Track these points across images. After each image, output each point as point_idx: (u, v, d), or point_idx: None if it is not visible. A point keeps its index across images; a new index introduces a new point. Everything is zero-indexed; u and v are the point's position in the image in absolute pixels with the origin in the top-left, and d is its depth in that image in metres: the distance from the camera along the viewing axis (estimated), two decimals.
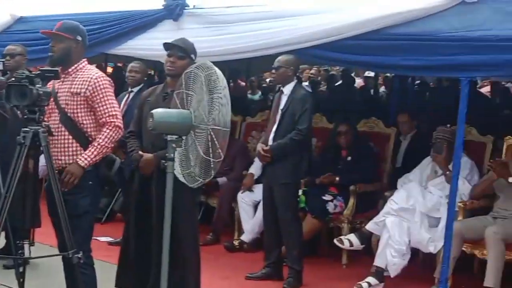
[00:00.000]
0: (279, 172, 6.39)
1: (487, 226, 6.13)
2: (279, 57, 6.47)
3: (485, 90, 12.04)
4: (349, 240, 6.71)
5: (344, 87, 12.09)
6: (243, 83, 13.31)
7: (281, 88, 6.56)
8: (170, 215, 4.56)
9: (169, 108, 4.76)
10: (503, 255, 5.98)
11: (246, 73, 12.81)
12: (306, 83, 12.34)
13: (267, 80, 13.62)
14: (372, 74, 12.41)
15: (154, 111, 4.57)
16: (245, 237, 7.66)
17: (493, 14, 5.37)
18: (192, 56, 5.24)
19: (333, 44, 6.09)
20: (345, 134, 7.39)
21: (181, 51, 5.21)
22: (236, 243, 7.68)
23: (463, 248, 6.23)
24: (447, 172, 6.41)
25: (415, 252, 6.69)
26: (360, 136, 7.57)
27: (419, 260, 7.02)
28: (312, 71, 13.50)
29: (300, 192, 6.97)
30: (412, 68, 6.03)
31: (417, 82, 11.55)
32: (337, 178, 7.28)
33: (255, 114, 9.02)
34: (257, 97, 13.11)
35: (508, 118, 8.46)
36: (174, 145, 4.50)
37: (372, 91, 12.54)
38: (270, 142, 6.45)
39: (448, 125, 6.61)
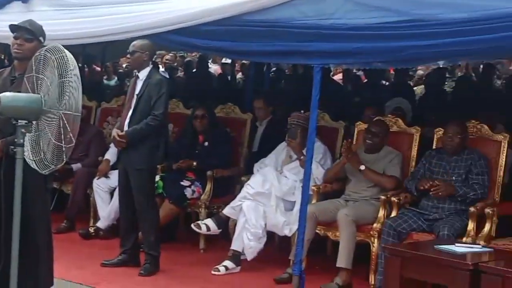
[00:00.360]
0: (135, 157, 6.32)
1: (339, 208, 6.32)
2: (134, 42, 6.38)
3: (338, 77, 12.41)
4: (206, 225, 6.74)
5: (200, 73, 12.09)
6: (99, 69, 13.06)
7: (137, 73, 6.47)
8: (20, 202, 4.40)
9: (19, 92, 4.59)
10: (354, 236, 6.18)
11: (102, 58, 12.57)
12: (163, 69, 12.25)
13: (123, 65, 13.43)
14: (229, 60, 12.49)
15: (1, 94, 4.40)
16: (101, 224, 7.53)
17: (343, 3, 5.51)
18: (41, 38, 5.07)
19: (189, 29, 6.07)
20: (201, 119, 7.40)
21: (29, 33, 5.03)
22: (91, 230, 7.54)
23: (317, 231, 6.40)
24: (301, 157, 6.54)
25: (271, 236, 6.80)
26: (216, 122, 7.60)
27: (275, 243, 7.15)
28: (168, 57, 13.42)
29: (157, 177, 6.94)
30: (267, 54, 6.10)
31: (273, 69, 11.72)
32: (195, 163, 7.28)
33: (110, 99, 8.87)
34: (113, 82, 12.91)
35: (359, 105, 8.73)
36: (23, 130, 4.35)
37: (229, 77, 12.61)
38: (126, 128, 6.36)
39: (302, 111, 6.75)
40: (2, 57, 11.96)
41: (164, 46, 7.17)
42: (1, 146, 4.87)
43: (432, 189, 6.03)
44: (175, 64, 13.75)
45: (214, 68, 14.05)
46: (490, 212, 5.84)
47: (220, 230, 6.79)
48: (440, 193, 6.00)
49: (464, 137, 6.21)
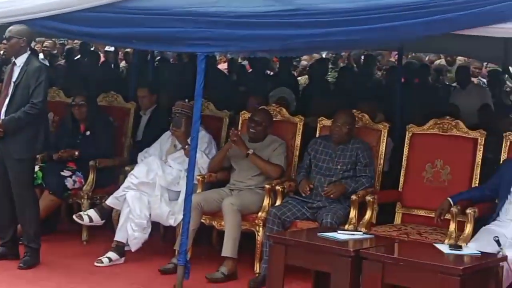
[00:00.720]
0: (13, 147, 6.08)
1: (224, 198, 6.32)
2: (11, 27, 6.15)
3: (223, 67, 12.41)
4: (89, 216, 6.60)
5: (83, 61, 11.81)
6: None
7: (14, 60, 6.23)
8: None
9: None
10: (239, 225, 6.19)
11: None
12: (42, 56, 11.88)
13: (0, 52, 12.93)
14: (112, 48, 12.24)
15: None
16: None
17: None
18: None
19: (67, 15, 5.92)
20: (80, 107, 7.21)
21: None
22: None
23: (202, 220, 6.38)
24: (186, 146, 6.49)
25: (155, 226, 6.74)
26: (98, 110, 7.43)
27: (159, 234, 7.09)
28: (47, 44, 13.02)
29: (37, 168, 6.74)
30: (150, 42, 6.02)
31: (158, 58, 11.59)
32: (76, 153, 7.11)
33: None
34: None
35: (244, 94, 8.75)
36: None
37: (112, 65, 12.37)
38: (2, 116, 6.11)
39: (187, 100, 6.70)
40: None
41: (41, 32, 6.93)
42: None
43: (324, 193, 6.11)
44: (55, 51, 13.37)
45: None
46: (371, 200, 5.98)
47: (103, 221, 6.67)
48: (332, 195, 6.08)
49: (351, 127, 6.31)
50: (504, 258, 4.92)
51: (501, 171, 5.77)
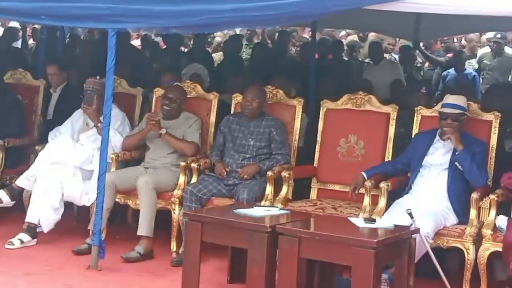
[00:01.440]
0: None
1: (139, 176, 6.23)
2: None
3: (136, 43, 12.22)
4: None
5: None
6: None
7: None
8: None
9: None
10: (155, 203, 6.12)
11: None
12: None
13: None
14: (17, 24, 11.84)
15: None
16: None
17: None
18: None
19: None
20: None
21: None
22: None
23: (117, 199, 6.29)
24: (99, 124, 6.36)
25: (69, 206, 6.61)
26: (6, 89, 7.20)
27: (73, 214, 6.96)
28: None
29: None
30: (54, 17, 5.84)
31: (68, 34, 11.30)
32: None
33: None
34: None
35: (158, 71, 8.62)
36: None
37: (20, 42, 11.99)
38: None
39: (98, 77, 6.55)
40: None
41: None
42: None
43: (238, 175, 6.10)
44: None
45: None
46: (287, 175, 6.00)
47: (13, 202, 6.49)
48: (246, 176, 6.07)
49: (262, 102, 6.31)
50: (417, 230, 5.03)
51: (413, 145, 5.88)
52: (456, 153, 5.53)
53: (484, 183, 5.54)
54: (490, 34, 10.84)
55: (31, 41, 12.33)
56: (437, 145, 5.72)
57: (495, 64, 10.41)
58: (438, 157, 5.67)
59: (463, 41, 12.16)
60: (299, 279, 4.88)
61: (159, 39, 11.79)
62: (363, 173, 5.78)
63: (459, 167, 5.53)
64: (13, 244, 6.18)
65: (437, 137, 5.73)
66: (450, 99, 5.72)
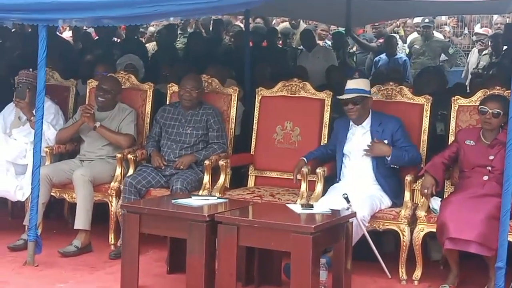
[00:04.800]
0: None
1: (74, 169, 6.16)
2: None
3: (67, 35, 12.04)
4: None
5: None
6: None
7: None
8: None
9: None
10: (91, 196, 6.07)
11: None
12: None
13: None
14: None
15: None
16: None
17: None
18: None
19: None
20: None
21: None
22: None
23: (52, 193, 6.21)
24: (32, 118, 6.25)
25: (3, 202, 6.51)
26: None
27: (8, 210, 6.86)
28: None
29: None
30: None
31: None
32: None
33: None
34: None
35: (91, 63, 8.49)
36: None
37: None
38: None
39: (31, 69, 6.43)
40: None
41: None
42: None
43: (174, 166, 6.09)
44: None
45: None
46: (224, 164, 6.01)
47: None
48: (182, 167, 6.05)
49: (201, 92, 6.30)
50: (353, 214, 5.11)
51: (335, 132, 5.94)
52: (388, 160, 5.56)
53: (419, 157, 5.65)
54: (418, 19, 11.05)
55: None
56: (353, 130, 5.78)
57: (425, 48, 10.61)
58: (357, 143, 5.72)
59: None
60: (239, 267, 4.92)
61: (91, 30, 11.62)
62: (304, 158, 5.82)
63: (397, 167, 5.61)
64: None
65: (351, 123, 5.78)
66: (349, 84, 5.77)
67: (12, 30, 11.06)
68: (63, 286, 5.27)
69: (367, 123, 5.73)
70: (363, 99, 5.67)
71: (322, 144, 6.15)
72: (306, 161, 5.80)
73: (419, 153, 5.69)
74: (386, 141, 5.61)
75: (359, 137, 5.73)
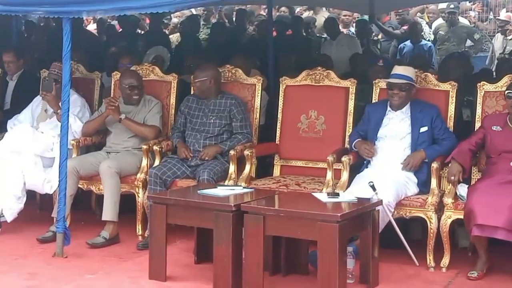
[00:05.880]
0: None
1: (101, 161, 6.20)
2: None
3: (92, 28, 12.11)
4: None
5: None
6: None
7: None
8: None
9: None
10: (118, 188, 6.10)
11: None
12: None
13: None
14: None
15: None
16: None
17: None
18: None
19: None
20: None
21: None
22: None
23: (80, 185, 6.25)
24: (58, 111, 6.29)
25: (31, 194, 6.55)
26: None
27: (36, 202, 6.90)
28: None
29: None
30: (7, 5, 5.77)
31: (24, 21, 11.15)
32: None
33: None
34: None
35: (116, 55, 8.51)
36: None
37: None
38: None
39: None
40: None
41: None
42: None
43: (199, 156, 6.10)
44: None
45: None
46: (249, 154, 6.01)
47: None
48: (207, 158, 6.07)
49: (216, 81, 6.27)
50: (380, 202, 5.09)
51: (367, 117, 5.92)
52: (426, 160, 5.57)
53: (455, 141, 5.62)
54: (443, 5, 10.96)
55: None
56: (390, 116, 5.78)
57: (450, 34, 10.53)
58: (394, 127, 5.73)
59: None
60: (266, 257, 4.93)
61: (115, 23, 11.68)
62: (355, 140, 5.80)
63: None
64: None
65: (389, 108, 5.79)
66: (397, 69, 5.79)
67: (41, 24, 11.16)
68: (92, 277, 5.32)
69: (406, 109, 5.73)
70: (410, 86, 5.68)
71: (347, 132, 6.12)
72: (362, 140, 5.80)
73: (454, 141, 5.63)
74: (426, 128, 5.63)
75: (397, 122, 5.73)
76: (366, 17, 10.84)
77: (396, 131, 5.71)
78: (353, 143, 5.84)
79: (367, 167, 5.73)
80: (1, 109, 7.35)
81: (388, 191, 5.28)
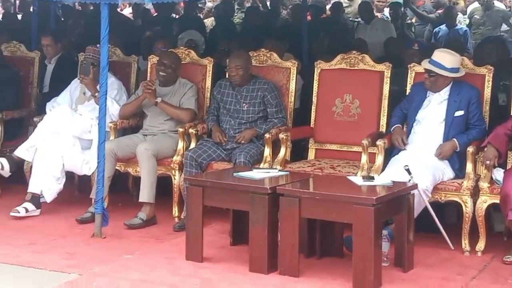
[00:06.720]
0: None
1: (138, 143, 6.27)
2: None
3: (127, 12, 12.20)
4: (1, 163, 6.42)
5: None
6: None
7: None
8: None
9: None
10: (155, 170, 6.17)
11: None
12: None
13: None
14: None
15: None
16: None
17: None
18: None
19: None
20: None
21: None
22: None
23: (117, 167, 6.33)
24: (96, 94, 6.38)
25: (70, 176, 6.65)
26: (4, 61, 7.22)
27: (75, 183, 7.00)
28: None
29: None
30: None
31: (60, 5, 11.26)
32: None
33: None
34: None
35: (151, 39, 8.59)
36: None
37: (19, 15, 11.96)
38: None
39: (98, 45, 6.54)
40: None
41: None
42: None
43: (235, 140, 6.16)
44: None
45: None
46: (284, 137, 6.05)
47: (10, 174, 6.50)
48: (243, 141, 6.12)
49: (247, 67, 6.30)
50: (415, 186, 5.11)
51: (410, 95, 5.93)
52: (458, 149, 5.56)
53: (485, 131, 5.62)
54: None
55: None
56: (429, 98, 5.77)
57: (485, 18, 10.44)
58: (431, 109, 5.71)
59: None
60: (301, 239, 4.97)
61: (150, 7, 11.75)
62: (399, 125, 5.80)
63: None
64: (19, 212, 6.23)
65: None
66: (434, 54, 5.74)
67: (78, 9, 11.26)
68: (130, 257, 5.40)
69: (445, 91, 5.71)
70: (437, 74, 5.65)
71: (382, 116, 6.14)
72: (401, 127, 5.80)
73: (484, 132, 5.63)
74: (462, 112, 5.61)
75: (435, 105, 5.72)
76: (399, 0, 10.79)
77: (433, 113, 5.69)
78: (392, 127, 5.83)
79: (403, 150, 5.72)
80: (40, 92, 7.47)
81: (425, 176, 5.29)
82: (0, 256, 5.36)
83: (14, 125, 7.03)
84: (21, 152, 6.45)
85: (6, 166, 6.44)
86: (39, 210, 6.35)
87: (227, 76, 6.49)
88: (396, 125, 5.83)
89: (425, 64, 5.71)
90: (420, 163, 5.40)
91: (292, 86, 6.51)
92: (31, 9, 9.83)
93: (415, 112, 5.75)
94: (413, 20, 11.36)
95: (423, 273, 5.06)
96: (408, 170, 5.15)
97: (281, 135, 6.05)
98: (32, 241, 5.73)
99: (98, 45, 6.32)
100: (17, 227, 6.08)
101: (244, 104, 6.29)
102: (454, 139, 5.58)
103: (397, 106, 5.98)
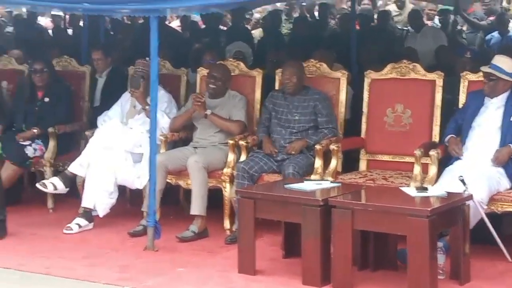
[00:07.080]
0: None
1: (188, 156, 6.28)
2: None
3: (175, 24, 12.28)
4: (53, 184, 6.49)
5: (29, 27, 11.58)
6: None
7: None
8: None
9: None
10: (206, 182, 6.17)
11: None
12: None
13: None
14: (60, 12, 11.99)
15: None
16: None
17: None
18: None
19: None
20: (41, 73, 7.09)
21: None
22: None
23: (168, 180, 6.34)
24: (146, 107, 6.42)
25: (122, 190, 6.69)
26: (57, 76, 7.32)
27: (126, 197, 7.05)
28: None
29: None
30: (97, 3, 5.92)
31: (109, 20, 11.40)
32: (35, 131, 6.94)
33: None
34: None
35: (199, 51, 8.63)
36: None
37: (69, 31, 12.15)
38: None
39: (148, 58, 6.58)
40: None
41: None
42: None
43: (286, 151, 6.12)
44: (2, 18, 13.08)
45: (45, 21, 13.50)
46: (335, 148, 6.00)
47: (67, 189, 6.57)
48: (293, 152, 6.09)
49: (300, 76, 6.29)
50: (470, 196, 5.01)
51: (467, 103, 5.85)
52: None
53: None
54: None
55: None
56: (486, 104, 5.68)
57: None
58: (488, 115, 5.62)
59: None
60: (354, 251, 4.92)
61: (198, 19, 11.82)
62: (453, 135, 5.70)
63: None
64: (71, 229, 6.29)
65: (486, 96, 5.69)
66: (494, 59, 5.68)
67: (127, 23, 11.38)
68: (183, 270, 5.40)
69: (503, 97, 5.64)
70: (498, 78, 5.57)
71: (434, 125, 6.06)
72: (455, 137, 5.72)
73: None
74: None
75: (492, 111, 5.63)
76: (450, 7, 10.66)
77: (490, 119, 5.59)
78: (447, 139, 5.74)
79: (457, 160, 5.62)
80: (91, 105, 7.54)
81: (481, 187, 5.18)
82: (55, 270, 5.41)
83: (66, 139, 7.10)
84: (74, 168, 6.51)
85: (59, 185, 6.49)
86: (92, 224, 6.41)
87: (279, 86, 6.47)
88: (450, 135, 5.74)
89: (485, 68, 5.63)
90: (475, 171, 5.30)
91: (342, 96, 6.46)
92: (81, 24, 9.97)
93: (472, 118, 5.66)
94: (464, 28, 11.21)
95: (481, 286, 4.97)
96: (463, 181, 5.05)
97: (332, 146, 6.00)
98: (86, 255, 5.78)
99: (147, 58, 6.36)
100: (71, 241, 6.14)
101: (295, 114, 6.26)
102: (510, 145, 5.47)
103: (451, 118, 5.90)
